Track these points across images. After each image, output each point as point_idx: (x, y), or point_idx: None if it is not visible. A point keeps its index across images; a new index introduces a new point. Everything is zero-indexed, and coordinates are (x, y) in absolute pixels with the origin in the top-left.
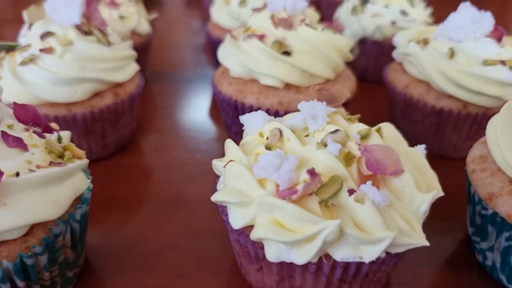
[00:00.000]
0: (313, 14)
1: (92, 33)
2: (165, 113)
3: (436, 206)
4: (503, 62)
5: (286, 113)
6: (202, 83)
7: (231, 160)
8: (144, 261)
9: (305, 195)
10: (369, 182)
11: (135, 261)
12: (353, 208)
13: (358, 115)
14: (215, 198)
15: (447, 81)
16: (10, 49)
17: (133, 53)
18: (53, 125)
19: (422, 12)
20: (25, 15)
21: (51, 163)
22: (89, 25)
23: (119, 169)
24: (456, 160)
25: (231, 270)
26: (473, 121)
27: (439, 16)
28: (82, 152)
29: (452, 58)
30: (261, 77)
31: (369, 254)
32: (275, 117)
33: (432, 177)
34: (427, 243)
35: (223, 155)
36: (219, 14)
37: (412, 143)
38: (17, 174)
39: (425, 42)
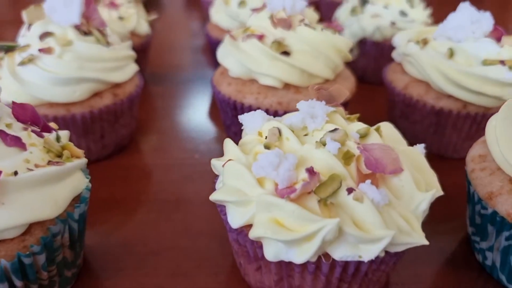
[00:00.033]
0: (312, 14)
1: (91, 33)
2: (164, 114)
3: (436, 206)
4: (502, 62)
5: (285, 113)
6: (201, 84)
7: (229, 159)
8: (143, 261)
9: (304, 194)
10: (368, 181)
11: (133, 261)
12: (352, 207)
13: (357, 115)
14: (213, 197)
15: (447, 81)
16: (9, 49)
17: (132, 54)
18: (52, 124)
19: (421, 13)
20: (24, 15)
21: (49, 162)
22: (88, 25)
23: (118, 170)
24: (456, 160)
25: (230, 270)
26: (472, 121)
27: (438, 17)
28: (80, 152)
29: (452, 58)
30: (260, 77)
31: (368, 253)
32: (274, 117)
33: (431, 176)
34: (426, 242)
35: (222, 155)
36: (218, 15)
37: (411, 143)
38: (15, 173)
39: (424, 42)
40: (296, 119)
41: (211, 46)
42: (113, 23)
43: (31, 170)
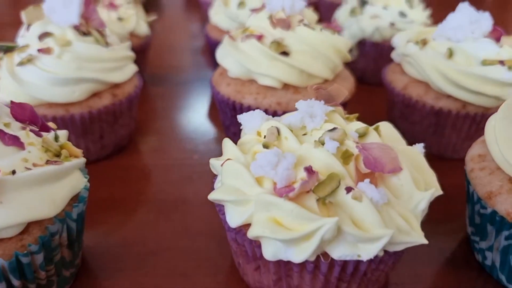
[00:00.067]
0: (311, 15)
1: (90, 33)
2: (163, 115)
3: (435, 206)
4: (502, 62)
5: (284, 113)
6: (200, 85)
7: (228, 159)
8: (142, 261)
9: (303, 193)
10: (367, 180)
11: (132, 262)
12: (350, 206)
13: (356, 114)
14: (212, 196)
15: (446, 81)
16: (8, 49)
17: (131, 54)
18: (50, 124)
19: (420, 14)
20: (23, 15)
21: (47, 162)
22: (87, 26)
23: (117, 170)
24: (455, 160)
25: (229, 270)
26: (472, 121)
27: (438, 18)
28: (79, 151)
29: (451, 58)
30: (259, 77)
31: (367, 252)
32: (273, 117)
33: (430, 176)
34: (425, 241)
35: (221, 155)
36: (217, 16)
37: (411, 144)
38: (14, 172)
39: (424, 42)
40: (295, 119)
41: (211, 47)
42: (112, 24)
43: (29, 169)
